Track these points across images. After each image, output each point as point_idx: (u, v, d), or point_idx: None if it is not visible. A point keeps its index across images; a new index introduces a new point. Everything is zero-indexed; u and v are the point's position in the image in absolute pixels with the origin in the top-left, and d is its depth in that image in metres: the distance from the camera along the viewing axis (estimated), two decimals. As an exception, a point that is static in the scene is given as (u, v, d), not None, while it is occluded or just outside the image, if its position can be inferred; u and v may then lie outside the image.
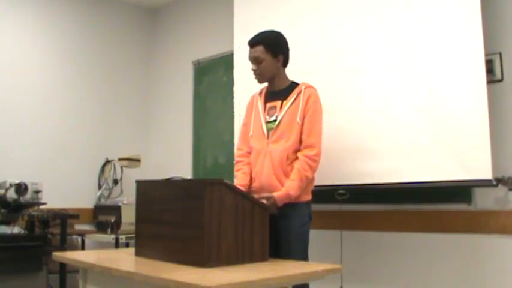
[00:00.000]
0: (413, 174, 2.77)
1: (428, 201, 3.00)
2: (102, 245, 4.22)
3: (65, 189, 4.38)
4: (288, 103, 2.59)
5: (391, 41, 2.93)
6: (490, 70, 2.75)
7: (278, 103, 2.63)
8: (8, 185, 3.45)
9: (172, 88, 5.00)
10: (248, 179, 2.66)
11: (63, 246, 3.49)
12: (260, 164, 2.60)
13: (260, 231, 2.12)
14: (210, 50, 4.57)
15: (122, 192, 4.70)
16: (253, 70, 2.65)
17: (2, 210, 3.41)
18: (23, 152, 4.25)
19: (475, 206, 2.84)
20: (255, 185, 2.62)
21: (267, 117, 2.65)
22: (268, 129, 2.62)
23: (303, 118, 2.54)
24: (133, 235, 2.37)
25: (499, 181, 2.64)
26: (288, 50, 2.68)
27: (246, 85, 3.57)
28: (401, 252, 3.09)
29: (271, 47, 2.60)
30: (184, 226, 2.00)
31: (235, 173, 2.75)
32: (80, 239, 4.25)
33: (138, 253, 2.25)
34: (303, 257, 2.48)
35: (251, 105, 2.78)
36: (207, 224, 1.92)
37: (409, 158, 2.79)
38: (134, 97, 5.14)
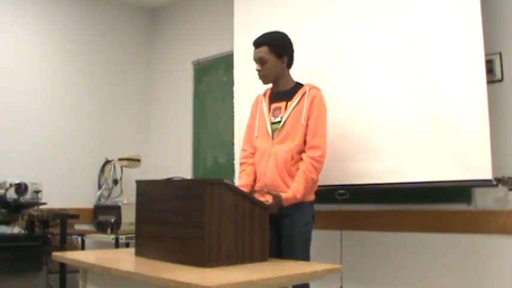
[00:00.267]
0: (413, 174, 2.77)
1: (428, 201, 3.00)
2: (102, 245, 4.22)
3: (65, 189, 4.37)
4: (292, 104, 2.60)
5: (391, 41, 2.93)
6: (490, 70, 2.75)
7: (283, 104, 2.64)
8: (8, 185, 3.45)
9: (172, 88, 5.00)
10: (251, 179, 2.66)
11: (63, 246, 3.49)
12: (264, 164, 2.60)
13: (260, 231, 2.12)
14: (210, 50, 4.57)
15: (122, 192, 4.70)
16: (258, 71, 2.66)
17: (2, 210, 3.41)
18: (23, 152, 4.25)
19: (475, 206, 2.84)
20: (259, 184, 2.63)
21: (272, 118, 2.66)
22: (273, 130, 2.63)
23: (308, 119, 2.55)
24: (133, 235, 2.37)
25: (499, 181, 2.64)
26: (292, 51, 2.69)
27: (246, 85, 3.58)
28: (401, 252, 3.09)
29: (276, 48, 2.61)
30: (184, 226, 2.00)
31: (240, 174, 2.76)
32: (80, 239, 4.24)
33: (138, 253, 2.25)
34: (305, 256, 2.48)
35: (255, 106, 2.79)
36: (207, 224, 1.91)
37: (409, 158, 2.79)
38: (134, 97, 5.14)
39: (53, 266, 3.45)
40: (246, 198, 2.11)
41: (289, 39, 2.68)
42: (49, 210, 3.60)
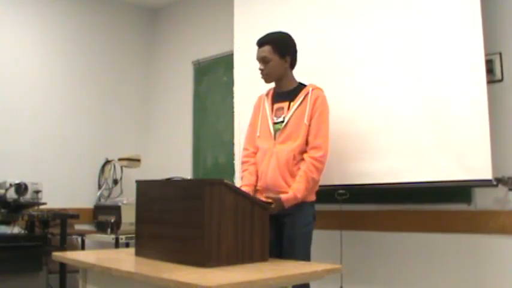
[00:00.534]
0: (413, 174, 2.77)
1: (428, 201, 3.00)
2: (102, 245, 4.22)
3: (65, 189, 4.37)
4: (295, 104, 2.60)
5: (391, 40, 2.93)
6: (490, 70, 2.75)
7: (285, 104, 2.64)
8: (8, 185, 3.45)
9: (172, 88, 5.00)
10: (254, 178, 2.67)
11: (63, 246, 3.49)
12: (266, 163, 2.61)
13: (260, 231, 2.12)
14: (210, 50, 4.57)
15: (122, 192, 4.70)
16: (261, 70, 2.66)
17: (2, 210, 3.41)
18: (23, 152, 4.25)
19: (475, 206, 2.84)
20: (260, 184, 2.63)
21: (275, 118, 2.66)
22: (276, 130, 2.63)
23: (310, 119, 2.56)
24: (133, 235, 2.37)
25: (499, 181, 2.64)
26: (296, 51, 2.70)
27: (246, 85, 3.58)
28: (401, 252, 3.09)
29: (279, 48, 2.61)
30: (184, 226, 2.00)
31: (242, 174, 2.75)
32: (80, 239, 4.24)
33: (138, 253, 2.25)
34: (305, 256, 2.48)
35: (258, 106, 2.79)
36: (207, 224, 1.91)
37: (409, 158, 2.79)
38: (134, 97, 5.14)
39: (53, 266, 3.44)
40: (246, 198, 2.11)
41: (292, 40, 2.69)
42: (49, 210, 3.60)
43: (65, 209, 3.84)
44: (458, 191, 2.89)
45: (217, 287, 1.55)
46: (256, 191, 2.63)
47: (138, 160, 4.64)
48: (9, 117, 4.23)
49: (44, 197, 3.63)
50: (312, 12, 3.32)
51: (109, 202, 4.46)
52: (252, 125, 2.80)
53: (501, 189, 2.70)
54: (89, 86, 4.78)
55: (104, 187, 4.68)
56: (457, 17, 2.68)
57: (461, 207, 2.88)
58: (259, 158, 2.67)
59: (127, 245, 3.98)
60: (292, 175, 2.53)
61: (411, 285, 3.03)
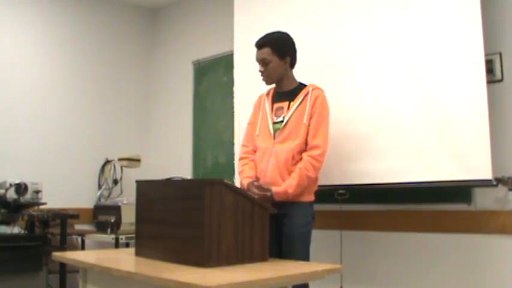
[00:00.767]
0: (413, 174, 2.77)
1: (428, 201, 3.00)
2: (102, 245, 4.22)
3: (65, 189, 4.38)
4: (295, 104, 2.60)
5: (391, 41, 2.93)
6: (490, 70, 2.75)
7: (285, 104, 2.64)
8: (8, 185, 3.45)
9: (172, 88, 5.00)
10: (253, 173, 2.66)
11: (63, 246, 3.49)
12: (265, 163, 2.61)
13: (260, 231, 2.12)
14: (210, 50, 4.57)
15: (122, 192, 4.70)
16: (261, 72, 2.66)
17: (2, 210, 3.41)
18: (23, 152, 4.25)
19: (475, 206, 2.84)
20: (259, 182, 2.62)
21: (274, 117, 2.66)
22: (275, 130, 2.63)
23: (310, 119, 2.56)
24: (134, 235, 2.37)
25: (499, 181, 2.64)
26: (295, 51, 2.69)
27: (246, 85, 3.58)
28: (402, 252, 3.09)
29: (279, 49, 2.61)
30: (184, 226, 2.00)
31: (241, 168, 2.74)
32: (80, 239, 4.25)
33: (138, 253, 2.25)
34: (305, 257, 2.48)
35: (258, 105, 2.79)
36: (207, 224, 1.91)
37: (409, 158, 2.79)
38: (134, 97, 5.14)
39: (53, 266, 3.45)
40: (246, 198, 2.11)
41: (291, 40, 2.69)
42: (49, 210, 3.60)
43: (65, 209, 3.84)
44: (458, 191, 2.89)
45: (217, 287, 1.56)
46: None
47: (138, 160, 4.64)
48: (9, 117, 4.24)
49: (44, 197, 3.63)
50: (312, 12, 3.32)
51: (109, 202, 4.46)
52: (252, 124, 2.79)
53: (501, 189, 2.70)
54: (89, 86, 4.78)
55: (104, 187, 4.68)
56: (457, 17, 2.68)
57: (461, 207, 2.88)
58: (258, 157, 2.67)
59: (127, 245, 3.98)
60: (291, 175, 2.53)
61: (411, 285, 3.03)
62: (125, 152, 4.72)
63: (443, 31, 2.72)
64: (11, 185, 3.46)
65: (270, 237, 2.16)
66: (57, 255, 2.40)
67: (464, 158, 2.61)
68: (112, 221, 4.03)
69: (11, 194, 3.44)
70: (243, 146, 2.81)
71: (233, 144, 3.72)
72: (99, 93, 4.85)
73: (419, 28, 2.82)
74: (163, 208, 2.14)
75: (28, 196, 3.52)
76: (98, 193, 4.64)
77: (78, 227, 4.34)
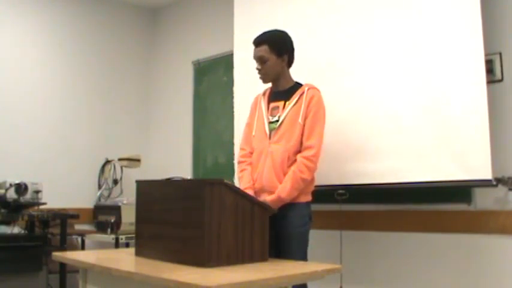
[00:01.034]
0: (413, 174, 2.77)
1: (428, 201, 3.00)
2: (102, 245, 4.22)
3: (65, 189, 4.37)
4: (290, 104, 2.59)
5: (391, 41, 2.93)
6: (490, 70, 2.75)
7: (281, 103, 2.63)
8: (8, 185, 3.45)
9: (172, 88, 5.00)
10: (253, 181, 2.64)
11: (63, 246, 3.49)
12: (261, 164, 2.60)
13: (260, 231, 2.12)
14: (210, 50, 4.57)
15: (122, 192, 4.70)
16: (258, 70, 2.65)
17: (2, 210, 3.41)
18: (23, 152, 4.26)
19: (475, 206, 2.84)
20: (256, 185, 2.61)
21: (270, 117, 2.65)
22: (271, 130, 2.62)
23: (305, 119, 2.54)
24: (134, 235, 2.37)
25: (499, 181, 2.64)
26: (293, 49, 2.68)
27: (246, 85, 3.58)
28: (401, 252, 3.09)
29: (276, 47, 2.60)
30: (184, 226, 2.00)
31: (239, 174, 2.74)
32: (80, 239, 4.25)
33: (138, 253, 2.25)
34: (302, 257, 2.47)
35: (255, 105, 2.78)
36: (207, 224, 1.91)
37: (409, 158, 2.79)
38: (134, 97, 5.14)
39: (53, 266, 3.45)
40: (246, 198, 2.11)
41: (289, 38, 2.68)
42: (49, 210, 3.60)
43: (65, 209, 3.84)
44: (458, 191, 2.89)
45: (217, 287, 1.55)
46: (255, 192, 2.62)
47: (138, 160, 4.64)
48: (9, 117, 4.24)
49: (44, 197, 3.63)
50: (312, 12, 3.32)
51: (109, 202, 4.46)
52: (249, 125, 2.78)
53: (501, 189, 2.70)
54: (89, 86, 4.78)
55: (104, 187, 4.68)
56: (457, 17, 2.68)
57: (461, 207, 2.88)
58: (255, 158, 2.65)
59: (127, 245, 3.98)
60: (285, 178, 2.51)
61: (411, 285, 3.03)
62: (125, 152, 4.72)
63: (443, 31, 2.72)
64: (11, 185, 3.46)
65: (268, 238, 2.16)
66: (57, 255, 2.40)
67: (464, 158, 2.61)
68: (112, 221, 4.03)
69: (11, 194, 3.44)
70: (241, 149, 2.80)
71: (233, 144, 3.72)
72: (99, 93, 4.85)
73: (419, 28, 2.82)
74: (163, 208, 2.14)
75: (28, 196, 3.52)
76: (98, 193, 4.64)
77: (78, 227, 4.34)
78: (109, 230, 4.04)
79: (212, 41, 4.57)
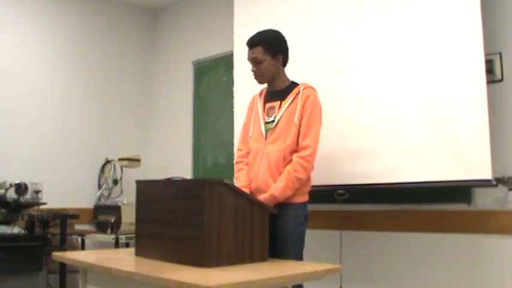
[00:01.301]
0: (413, 174, 2.77)
1: (428, 201, 3.00)
2: (102, 245, 4.22)
3: (65, 189, 4.38)
4: (286, 104, 2.57)
5: (391, 40, 2.93)
6: (490, 70, 2.75)
7: (277, 103, 2.61)
8: (8, 185, 3.45)
9: (172, 88, 5.00)
10: (249, 181, 2.64)
11: (63, 246, 3.49)
12: (257, 164, 2.59)
13: (260, 231, 2.12)
14: (210, 50, 4.57)
15: (122, 192, 4.70)
16: (253, 71, 2.63)
17: (2, 210, 3.41)
18: (23, 152, 4.26)
19: (475, 206, 2.84)
20: (252, 185, 2.60)
21: (266, 117, 2.63)
22: (267, 130, 2.60)
23: (301, 119, 2.51)
24: (134, 235, 2.37)
25: (498, 181, 2.64)
26: (287, 49, 2.65)
27: (246, 85, 3.56)
28: (401, 252, 3.09)
29: (271, 47, 2.58)
30: (184, 226, 2.00)
31: (236, 174, 2.74)
32: (80, 239, 4.25)
33: (138, 253, 2.25)
34: (298, 258, 2.44)
35: (251, 106, 2.77)
36: (207, 224, 1.92)
37: (409, 158, 2.79)
38: (134, 97, 5.14)
39: (53, 266, 3.44)
40: (246, 198, 2.11)
41: (283, 38, 2.65)
42: (49, 210, 3.60)
43: (65, 209, 3.84)
44: (458, 191, 2.89)
45: (217, 287, 1.56)
46: (251, 192, 2.61)
47: (138, 160, 4.64)
48: (9, 117, 4.23)
49: (44, 197, 3.63)
50: (312, 12, 3.32)
51: (109, 202, 4.46)
52: (246, 126, 2.77)
53: (501, 189, 2.70)
54: (89, 86, 4.78)
55: (104, 187, 4.68)
56: (457, 17, 2.68)
57: (461, 207, 2.88)
58: (251, 159, 2.64)
59: (127, 245, 3.98)
60: (279, 177, 2.50)
61: (411, 285, 3.03)
62: (125, 152, 4.73)
63: (443, 31, 2.72)
64: (11, 185, 3.45)
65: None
66: (57, 255, 2.40)
67: (464, 158, 2.61)
68: (112, 221, 4.03)
69: (11, 194, 3.44)
70: (238, 149, 2.79)
71: (233, 144, 3.71)
72: (99, 93, 4.85)
73: (419, 28, 2.82)
74: (163, 208, 2.14)
75: (28, 196, 3.52)
76: (98, 193, 4.64)
77: (78, 227, 4.34)
78: (109, 230, 4.04)
79: (212, 41, 4.57)
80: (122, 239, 3.96)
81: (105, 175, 4.71)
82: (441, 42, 2.73)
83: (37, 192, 3.57)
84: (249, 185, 2.61)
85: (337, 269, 2.05)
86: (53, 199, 3.79)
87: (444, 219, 2.93)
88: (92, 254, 2.69)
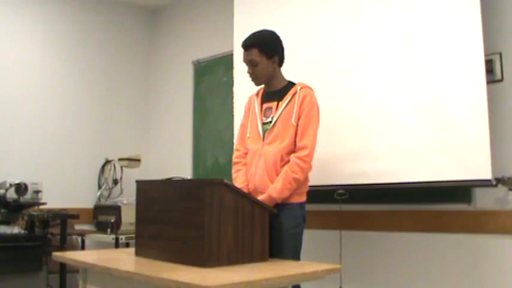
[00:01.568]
0: (413, 174, 2.77)
1: (428, 201, 3.00)
2: (102, 245, 4.22)
3: (65, 189, 4.38)
4: (283, 104, 2.55)
5: (391, 40, 2.93)
6: (490, 70, 2.75)
7: (274, 104, 2.60)
8: (8, 185, 3.45)
9: (172, 88, 5.00)
10: (247, 182, 2.63)
11: (63, 246, 3.49)
12: (255, 165, 2.58)
13: (260, 232, 2.12)
14: (210, 50, 4.57)
15: (122, 192, 4.70)
16: (249, 73, 2.62)
17: (2, 210, 3.41)
18: (23, 152, 4.26)
19: (475, 206, 2.84)
20: (250, 186, 2.60)
21: (264, 118, 2.62)
22: (264, 131, 2.59)
23: (298, 119, 2.50)
24: (134, 235, 2.37)
25: (498, 181, 2.64)
26: (282, 49, 2.64)
27: (246, 85, 3.55)
28: (401, 252, 3.09)
29: (266, 49, 2.56)
30: (184, 226, 2.00)
31: (234, 175, 2.73)
32: (80, 239, 4.24)
33: (138, 253, 2.25)
34: (295, 258, 2.42)
35: (248, 106, 2.76)
36: (207, 224, 1.92)
37: (409, 158, 2.79)
38: (134, 97, 5.14)
39: (53, 266, 3.44)
40: (246, 198, 2.11)
41: (278, 38, 2.63)
42: (49, 210, 3.60)
43: (65, 209, 3.84)
44: (458, 191, 2.89)
45: (217, 287, 1.56)
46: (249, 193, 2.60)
47: (138, 160, 4.64)
48: (9, 117, 4.23)
49: (44, 197, 3.63)
50: (311, 12, 3.32)
51: (109, 202, 4.46)
52: (243, 126, 2.76)
53: (501, 189, 2.71)
54: (89, 86, 4.79)
55: (104, 187, 4.68)
56: (457, 17, 2.68)
57: (461, 207, 2.88)
58: (249, 159, 2.64)
59: (127, 245, 3.98)
60: (277, 177, 2.49)
61: (411, 285, 3.03)
62: (125, 152, 4.73)
63: (443, 31, 2.72)
64: (11, 185, 3.45)
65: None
66: (57, 255, 2.40)
67: (464, 158, 2.61)
68: (112, 221, 4.03)
69: (11, 194, 3.44)
70: (236, 150, 2.78)
71: (233, 144, 3.70)
72: (99, 93, 4.85)
73: (419, 28, 2.82)
74: (163, 208, 2.14)
75: (28, 196, 3.52)
76: (98, 193, 4.64)
77: (78, 227, 4.34)
78: (109, 230, 4.04)
79: (212, 41, 4.57)
80: (122, 239, 3.96)
81: (105, 175, 4.71)
82: (441, 42, 2.73)
83: (37, 192, 3.57)
84: (247, 186, 2.61)
85: (337, 269, 2.05)
86: (53, 199, 3.78)
87: (444, 219, 2.93)
88: (92, 254, 2.69)
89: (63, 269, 3.49)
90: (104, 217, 4.19)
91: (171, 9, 5.16)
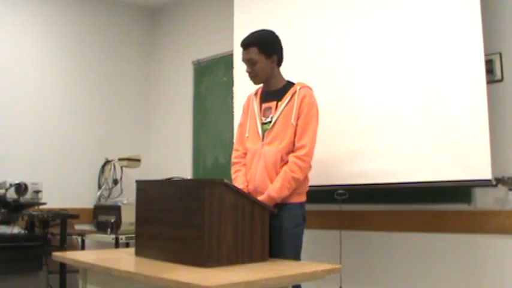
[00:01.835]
0: (413, 174, 2.77)
1: (428, 201, 3.00)
2: (102, 245, 4.22)
3: (65, 189, 4.38)
4: (282, 104, 2.55)
5: (391, 40, 2.93)
6: (490, 70, 2.75)
7: (273, 104, 2.60)
8: (8, 185, 3.45)
9: (172, 88, 5.00)
10: (246, 182, 2.62)
11: (63, 246, 3.49)
12: (254, 165, 2.57)
13: (260, 231, 2.12)
14: (210, 50, 4.57)
15: (122, 192, 4.70)
16: (248, 72, 2.62)
17: (2, 210, 3.41)
18: (23, 152, 4.26)
19: (475, 206, 2.84)
20: (249, 187, 2.59)
21: (263, 118, 2.62)
22: (264, 131, 2.59)
23: (297, 119, 2.50)
24: (133, 235, 2.37)
25: (498, 181, 2.64)
26: (281, 48, 2.64)
27: (246, 85, 3.56)
28: (401, 252, 3.09)
29: (265, 48, 2.56)
30: (184, 226, 2.00)
31: (233, 175, 2.72)
32: (80, 239, 4.25)
33: (138, 253, 2.25)
34: (295, 258, 2.42)
35: (247, 106, 2.76)
36: (207, 224, 1.92)
37: (409, 158, 2.79)
38: (134, 97, 5.14)
39: (53, 266, 3.44)
40: (246, 198, 2.11)
41: (277, 37, 2.63)
42: (49, 210, 3.60)
43: (65, 209, 3.84)
44: (458, 191, 2.89)
45: (217, 287, 1.56)
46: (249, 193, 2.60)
47: (138, 160, 4.64)
48: (9, 117, 4.23)
49: (44, 197, 3.63)
50: (312, 12, 3.32)
51: (109, 202, 4.46)
52: (242, 126, 2.75)
53: (501, 189, 2.71)
54: (89, 86, 4.78)
55: (104, 187, 4.68)
56: (457, 17, 2.68)
57: (461, 207, 2.88)
58: (248, 159, 2.63)
59: (127, 245, 3.98)
60: (276, 177, 2.49)
61: (411, 285, 3.04)
62: (125, 152, 4.72)
63: (443, 31, 2.72)
64: (11, 185, 3.45)
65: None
66: (57, 255, 2.40)
67: (464, 158, 2.61)
68: (112, 221, 4.03)
69: (11, 194, 3.44)
70: (235, 150, 2.77)
71: (233, 144, 3.71)
72: (99, 93, 4.85)
73: (419, 28, 2.82)
74: (163, 208, 2.14)
75: (28, 196, 3.52)
76: (98, 193, 4.64)
77: (78, 227, 4.34)
78: (109, 230, 4.04)
79: (212, 41, 4.57)
80: (122, 239, 3.96)
81: (105, 175, 4.71)
82: (441, 42, 2.73)
83: (37, 192, 3.57)
84: (247, 186, 2.60)
85: (337, 269, 2.05)
86: (53, 199, 3.78)
87: (444, 219, 2.93)
88: (92, 254, 2.69)
89: (63, 269, 3.49)
90: (104, 217, 4.19)
91: (171, 9, 5.16)
